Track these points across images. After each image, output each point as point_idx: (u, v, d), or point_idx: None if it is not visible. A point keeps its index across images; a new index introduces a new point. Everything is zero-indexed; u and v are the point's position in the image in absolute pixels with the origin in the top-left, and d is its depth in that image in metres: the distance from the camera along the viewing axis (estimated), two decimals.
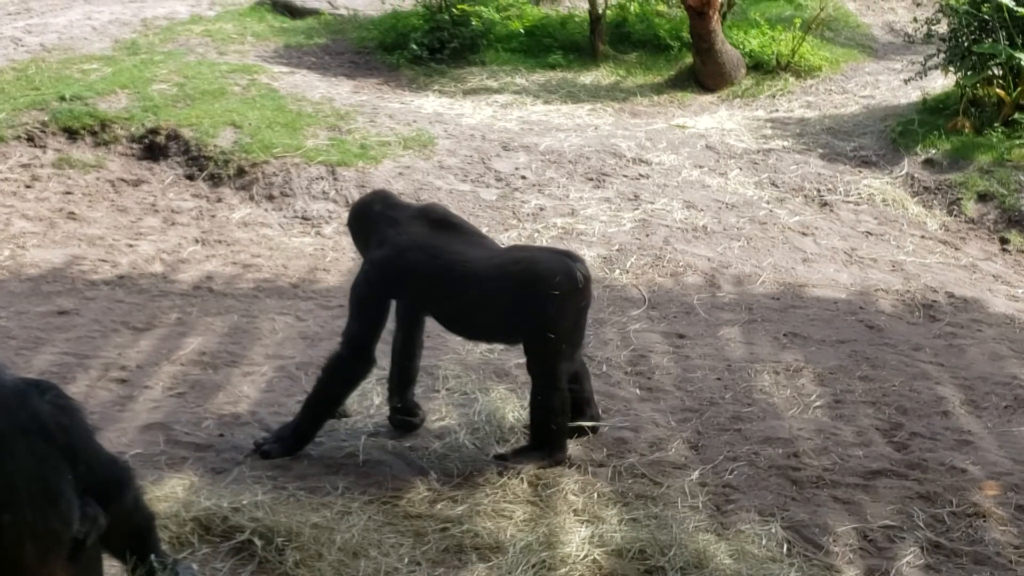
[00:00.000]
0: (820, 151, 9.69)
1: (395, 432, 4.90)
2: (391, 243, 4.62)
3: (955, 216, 8.79)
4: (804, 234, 8.21)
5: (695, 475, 4.68)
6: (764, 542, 4.18)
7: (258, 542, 3.90)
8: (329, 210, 8.02)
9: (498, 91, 11.18)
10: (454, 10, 11.89)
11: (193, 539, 3.91)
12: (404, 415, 4.91)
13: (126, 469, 3.20)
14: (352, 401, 5.06)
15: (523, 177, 8.67)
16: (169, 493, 4.18)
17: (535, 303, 4.51)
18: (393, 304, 4.78)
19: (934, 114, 10.06)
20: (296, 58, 11.59)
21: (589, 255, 7.49)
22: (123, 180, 8.43)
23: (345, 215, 7.95)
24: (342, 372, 4.63)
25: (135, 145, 8.77)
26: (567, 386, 4.67)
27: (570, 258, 4.68)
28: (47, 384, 2.90)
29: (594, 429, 4.94)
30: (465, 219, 5.10)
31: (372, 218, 4.75)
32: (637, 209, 8.30)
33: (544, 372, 4.62)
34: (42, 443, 2.68)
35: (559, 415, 4.64)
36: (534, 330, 4.57)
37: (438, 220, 4.75)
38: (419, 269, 4.58)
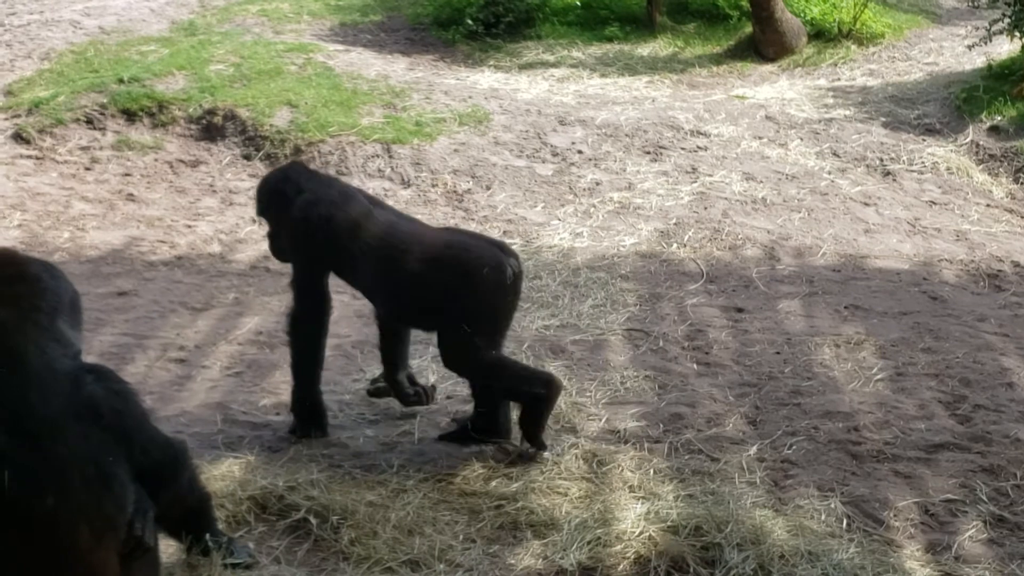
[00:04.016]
0: (883, 119, 9.51)
1: (451, 409, 4.89)
2: (322, 196, 4.45)
3: (1021, 184, 8.59)
4: (866, 204, 8.06)
5: (753, 450, 4.61)
6: (823, 517, 4.11)
7: (313, 520, 3.91)
8: (385, 188, 8.02)
9: (554, 65, 11.11)
10: None
11: (249, 518, 3.93)
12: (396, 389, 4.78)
13: (181, 450, 3.20)
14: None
15: (579, 151, 8.60)
16: (226, 472, 4.20)
17: (457, 292, 4.31)
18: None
19: (999, 80, 9.82)
20: (352, 36, 11.60)
21: (646, 229, 7.43)
22: (181, 161, 8.50)
23: (401, 192, 7.98)
24: (300, 327, 4.55)
25: (193, 126, 8.84)
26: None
27: (503, 251, 4.44)
28: (101, 368, 2.92)
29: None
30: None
31: (297, 184, 4.52)
32: (695, 182, 8.20)
33: (471, 367, 4.43)
34: (96, 428, 2.69)
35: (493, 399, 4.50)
36: (448, 319, 4.35)
37: (364, 193, 4.65)
38: (350, 226, 4.39)
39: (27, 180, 8.03)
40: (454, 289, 4.30)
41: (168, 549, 3.41)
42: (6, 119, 8.90)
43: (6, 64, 10.09)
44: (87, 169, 8.30)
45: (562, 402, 4.98)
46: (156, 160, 8.47)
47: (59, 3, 12.13)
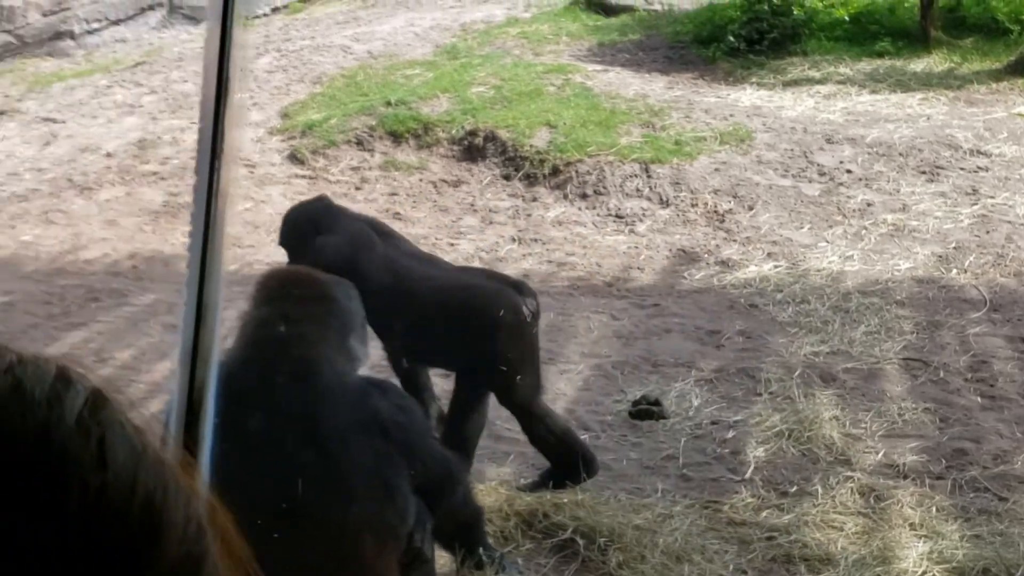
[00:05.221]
0: None
1: (716, 435, 4.75)
2: (346, 236, 4.41)
3: None
4: None
5: None
6: None
7: (580, 541, 3.87)
8: (643, 208, 7.95)
9: (820, 81, 10.73)
10: (774, 0, 11.53)
11: (516, 534, 3.93)
12: None
13: (458, 466, 3.25)
14: (670, 403, 4.96)
15: (848, 171, 8.27)
16: (492, 488, 4.23)
17: (474, 334, 4.22)
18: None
19: None
20: (609, 56, 11.61)
21: (923, 253, 7.06)
22: (444, 181, 8.70)
23: (659, 212, 7.89)
24: None
25: (455, 147, 9.04)
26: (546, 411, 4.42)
27: (520, 292, 4.31)
28: (387, 384, 2.99)
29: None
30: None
31: (320, 221, 4.50)
32: (976, 204, 7.73)
33: (521, 407, 4.36)
34: (380, 440, 2.74)
35: (556, 433, 4.35)
36: (470, 362, 4.28)
37: (384, 231, 4.59)
38: (368, 271, 4.31)
39: (301, 199, 8.41)
40: (470, 332, 4.24)
41: (439, 560, 3.43)
42: (282, 140, 9.37)
43: (282, 88, 10.63)
44: (357, 188, 8.62)
45: (835, 433, 4.77)
46: (421, 180, 8.71)
47: (329, 29, 12.71)
